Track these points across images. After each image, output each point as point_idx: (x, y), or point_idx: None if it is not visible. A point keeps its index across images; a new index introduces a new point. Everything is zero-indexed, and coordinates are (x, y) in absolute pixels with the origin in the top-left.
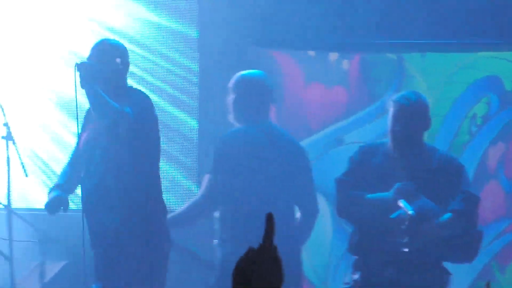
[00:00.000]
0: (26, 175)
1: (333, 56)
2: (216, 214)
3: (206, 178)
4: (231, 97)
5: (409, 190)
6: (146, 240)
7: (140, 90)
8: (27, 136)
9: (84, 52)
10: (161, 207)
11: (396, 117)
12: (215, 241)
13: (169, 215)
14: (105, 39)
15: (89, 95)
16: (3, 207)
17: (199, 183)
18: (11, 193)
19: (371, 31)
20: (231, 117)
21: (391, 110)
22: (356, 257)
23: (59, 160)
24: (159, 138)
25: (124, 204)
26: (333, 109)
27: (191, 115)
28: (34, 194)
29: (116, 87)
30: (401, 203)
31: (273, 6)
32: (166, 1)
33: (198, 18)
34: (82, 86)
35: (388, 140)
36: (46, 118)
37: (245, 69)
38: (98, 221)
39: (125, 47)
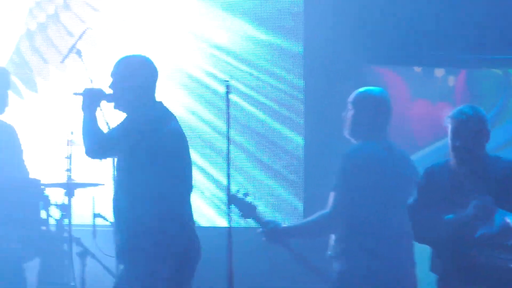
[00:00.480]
0: None
1: (439, 72)
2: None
3: (331, 196)
4: (350, 112)
5: (487, 204)
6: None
7: (149, 109)
8: None
9: (192, 70)
10: (170, 227)
11: (455, 133)
12: (329, 253)
13: (292, 225)
14: (126, 56)
15: (84, 117)
16: (110, 223)
17: (305, 200)
18: None
19: (477, 47)
20: (346, 132)
21: (449, 126)
22: (438, 276)
23: None
24: (159, 158)
25: (125, 225)
26: (439, 125)
27: (296, 132)
28: None
29: (133, 100)
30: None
31: (378, 22)
32: (272, 18)
33: (304, 35)
34: (82, 109)
35: (450, 157)
36: None
37: (349, 86)
38: (115, 239)
39: (146, 63)
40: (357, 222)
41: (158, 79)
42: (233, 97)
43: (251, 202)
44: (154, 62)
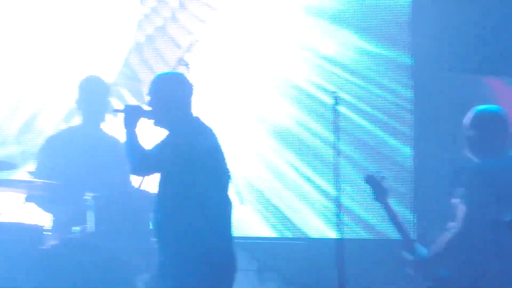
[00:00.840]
0: (242, 204)
1: None
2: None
3: (459, 208)
4: (470, 132)
5: None
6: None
7: (187, 125)
8: (242, 165)
9: (299, 81)
10: (207, 241)
11: None
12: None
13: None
14: (162, 74)
15: (126, 136)
16: None
17: (414, 211)
18: None
19: None
20: (467, 151)
21: None
22: None
23: (275, 189)
24: (197, 171)
25: (165, 240)
26: None
27: (405, 142)
28: (251, 223)
29: (171, 117)
30: None
31: (488, 32)
32: (380, 29)
33: (412, 45)
34: (124, 127)
35: None
36: (261, 146)
37: (459, 97)
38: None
39: (181, 79)
40: (476, 238)
41: (193, 94)
42: (341, 108)
43: (386, 187)
44: (188, 78)
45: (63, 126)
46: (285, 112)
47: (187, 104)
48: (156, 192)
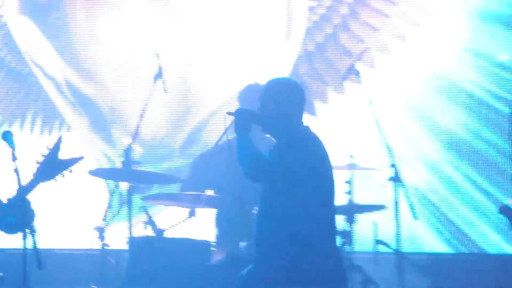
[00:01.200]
0: (415, 218)
1: None
2: None
3: None
4: None
5: None
6: None
7: (300, 134)
8: (415, 177)
9: (473, 89)
10: (309, 251)
11: None
12: None
13: None
14: (276, 79)
15: (238, 138)
16: (392, 250)
17: None
18: (400, 236)
19: None
20: None
21: None
22: None
23: (449, 202)
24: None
25: (267, 248)
26: None
27: None
28: (424, 238)
29: (283, 125)
30: None
31: None
32: None
33: None
34: (235, 131)
35: None
36: (434, 157)
37: None
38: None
39: (295, 87)
40: None
41: (305, 102)
42: None
43: None
44: (301, 86)
45: (225, 138)
46: (460, 121)
47: (301, 113)
48: (263, 199)
